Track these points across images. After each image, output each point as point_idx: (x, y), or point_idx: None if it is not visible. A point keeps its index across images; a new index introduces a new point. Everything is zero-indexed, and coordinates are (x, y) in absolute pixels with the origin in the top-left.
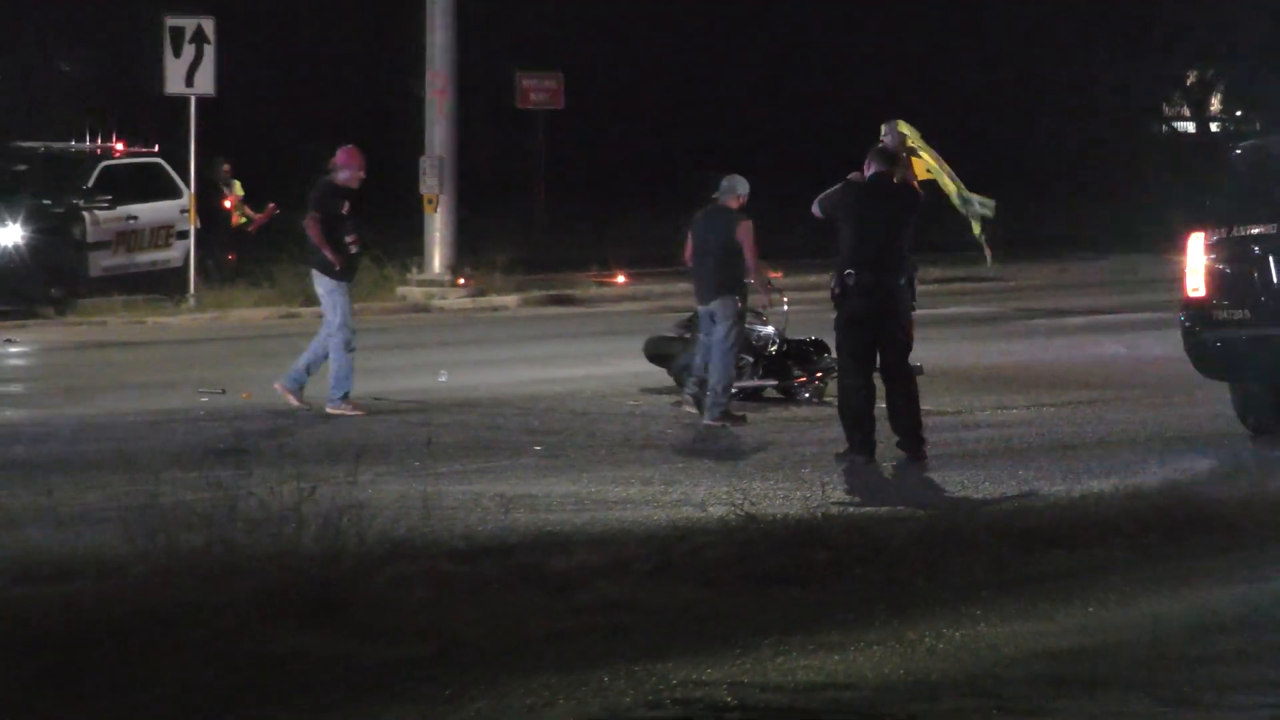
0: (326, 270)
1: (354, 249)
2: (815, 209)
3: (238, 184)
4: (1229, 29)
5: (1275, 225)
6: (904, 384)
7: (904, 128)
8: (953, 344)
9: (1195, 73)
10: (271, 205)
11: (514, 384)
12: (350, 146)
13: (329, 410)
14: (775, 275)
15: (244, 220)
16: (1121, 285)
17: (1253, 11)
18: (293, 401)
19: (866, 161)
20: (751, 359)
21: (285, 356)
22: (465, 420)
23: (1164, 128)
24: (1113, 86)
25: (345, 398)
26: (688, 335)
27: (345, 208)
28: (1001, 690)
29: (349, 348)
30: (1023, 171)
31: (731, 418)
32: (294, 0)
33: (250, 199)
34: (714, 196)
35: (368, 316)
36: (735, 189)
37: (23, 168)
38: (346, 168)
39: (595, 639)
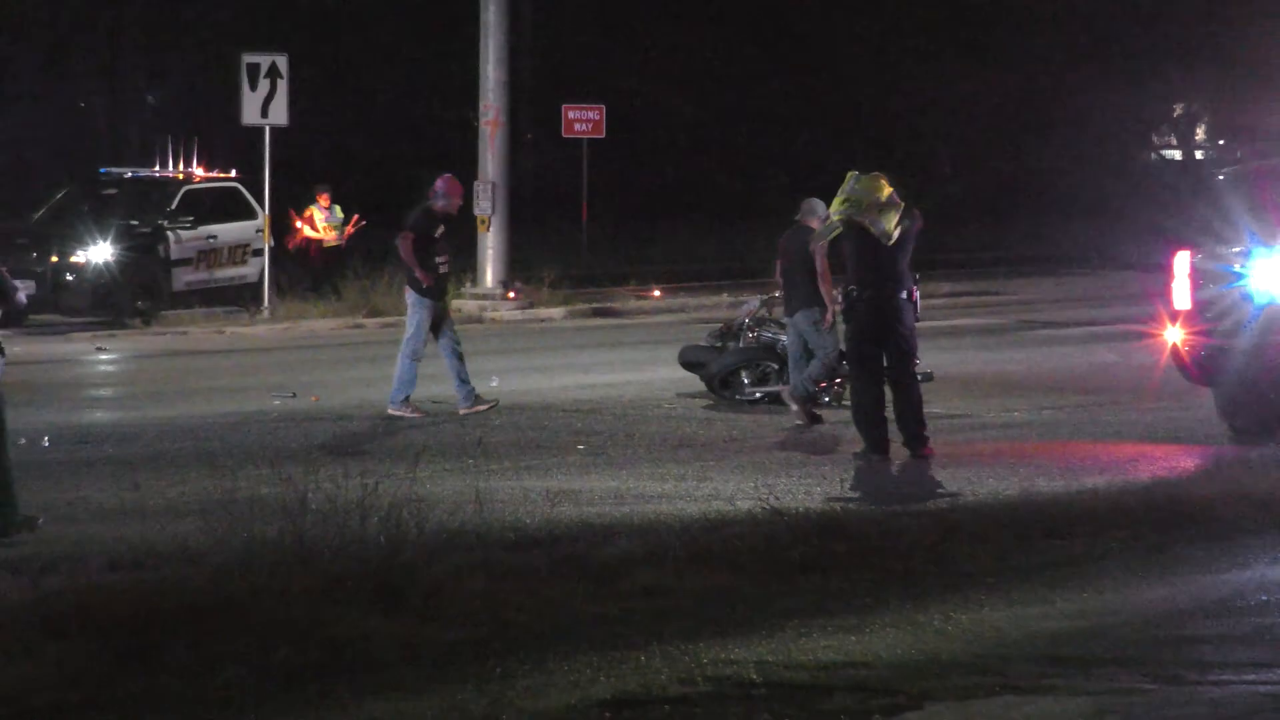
0: (415, 286)
1: (443, 269)
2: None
3: (338, 209)
4: (1214, 65)
5: (1254, 244)
6: (907, 390)
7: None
8: (961, 352)
9: (1182, 105)
10: (356, 216)
11: (559, 389)
12: (450, 176)
13: (390, 411)
14: None
15: (337, 242)
16: (1114, 299)
17: (1236, 49)
18: (480, 408)
19: None
20: (777, 366)
21: (351, 364)
22: (515, 422)
23: (1153, 155)
24: (1107, 118)
25: (406, 400)
26: (719, 345)
27: (440, 231)
28: (1005, 669)
29: (416, 357)
30: (1025, 195)
31: (810, 415)
32: (363, 40)
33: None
34: (796, 218)
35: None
36: (815, 210)
37: (112, 192)
38: (445, 195)
39: (634, 622)
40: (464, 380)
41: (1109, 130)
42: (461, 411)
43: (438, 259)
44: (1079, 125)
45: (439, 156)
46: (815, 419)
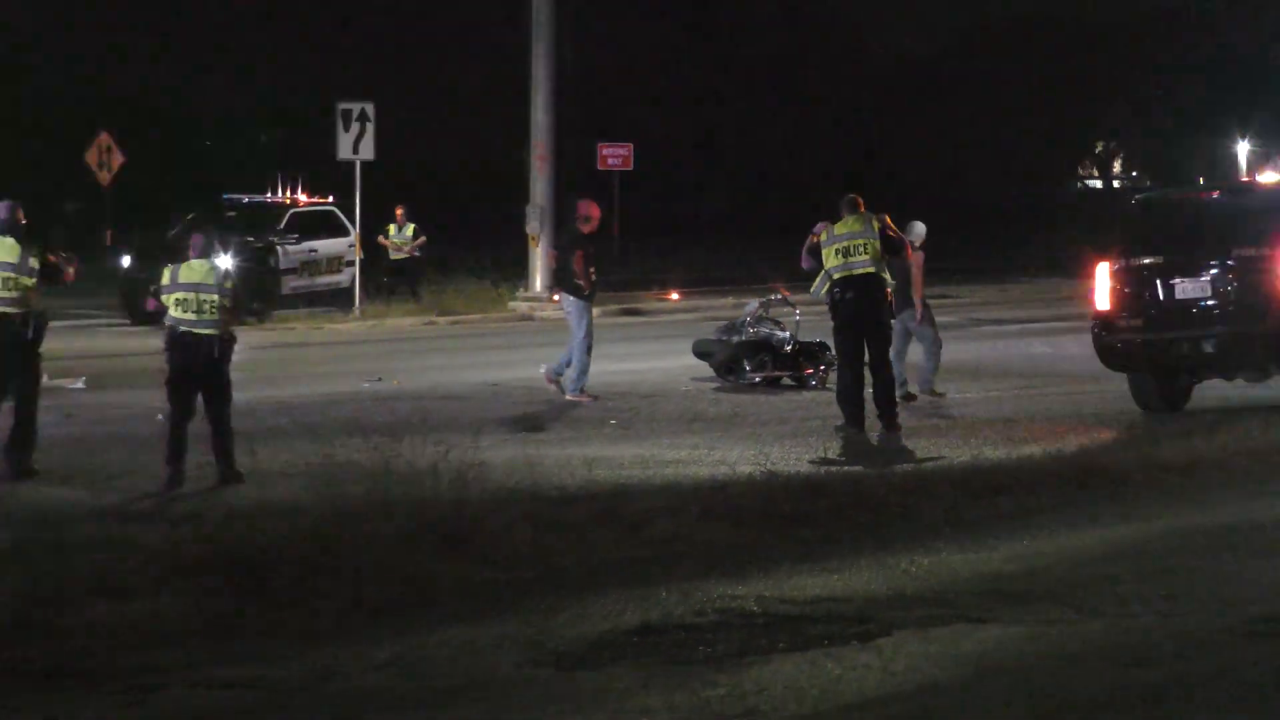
0: (576, 293)
1: (594, 277)
2: (804, 265)
3: (412, 227)
4: (1129, 111)
5: (1161, 257)
6: (883, 375)
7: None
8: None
9: (1101, 143)
10: (422, 239)
11: (594, 374)
12: (591, 201)
13: (569, 397)
14: (784, 293)
15: (412, 254)
16: (1047, 301)
17: (1146, 99)
18: (584, 399)
19: (841, 211)
20: (772, 355)
21: (427, 354)
22: (557, 402)
23: (1079, 184)
24: (1040, 153)
25: (582, 390)
26: (725, 338)
27: (591, 248)
28: (958, 602)
29: (589, 350)
30: (974, 216)
31: (935, 393)
32: (436, 89)
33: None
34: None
35: (486, 325)
36: (915, 230)
37: (233, 214)
38: (589, 218)
39: (656, 565)
40: (568, 365)
41: (1043, 163)
42: (569, 397)
43: (590, 269)
44: (1019, 160)
45: (497, 186)
46: (941, 394)
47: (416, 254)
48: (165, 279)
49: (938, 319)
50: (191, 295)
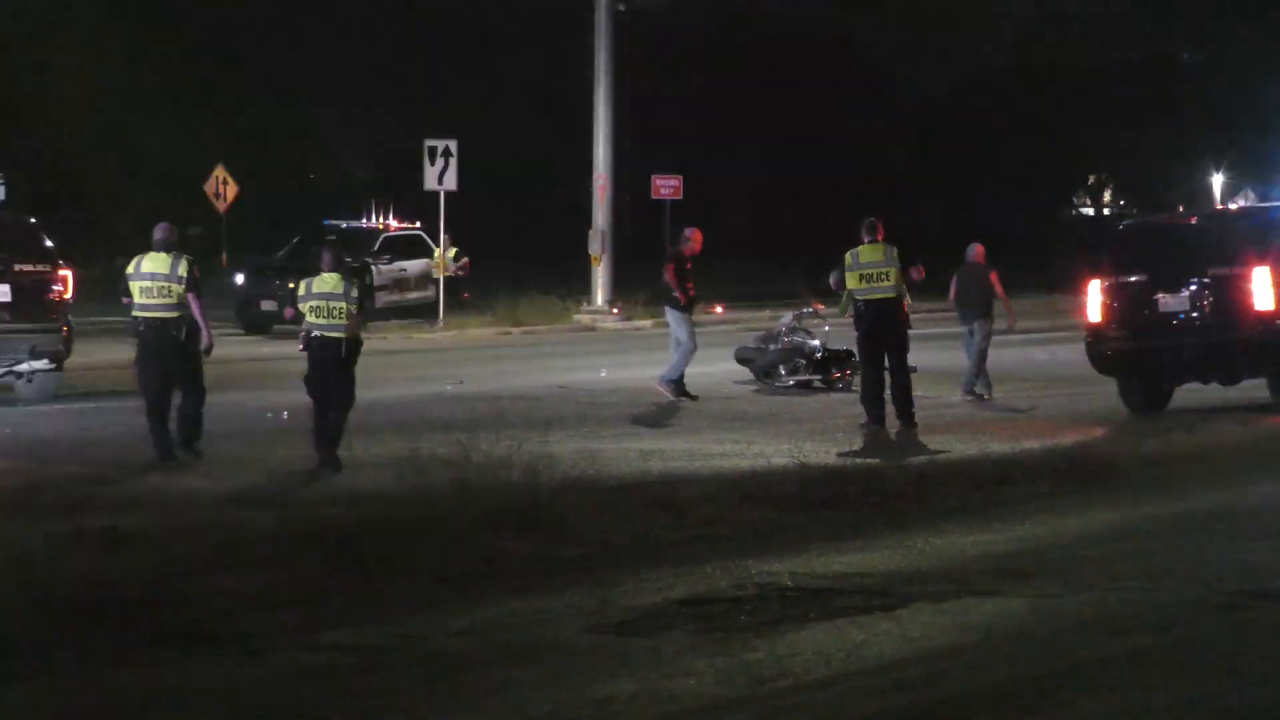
0: (674, 305)
1: (692, 292)
2: (832, 283)
3: (454, 250)
4: (1118, 146)
5: (1146, 275)
6: (901, 378)
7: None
8: (936, 352)
9: (1094, 175)
10: (466, 260)
11: (649, 378)
12: (695, 229)
13: (658, 387)
14: (818, 307)
15: (457, 273)
16: (1044, 314)
17: (1134, 135)
18: (681, 397)
19: (862, 234)
20: (804, 361)
21: (502, 360)
22: (616, 401)
23: (1073, 211)
24: (1039, 183)
25: (667, 384)
26: (764, 346)
27: (688, 265)
28: (967, 579)
29: (689, 355)
30: (982, 239)
31: (975, 395)
32: (507, 126)
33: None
34: (967, 259)
35: (554, 335)
36: (974, 251)
37: (333, 237)
38: (690, 240)
39: (702, 545)
40: (678, 373)
41: (1042, 192)
42: (662, 390)
43: (687, 284)
44: (1021, 189)
45: (564, 212)
46: (980, 397)
47: (460, 273)
48: (301, 290)
49: (950, 331)
50: (324, 303)
